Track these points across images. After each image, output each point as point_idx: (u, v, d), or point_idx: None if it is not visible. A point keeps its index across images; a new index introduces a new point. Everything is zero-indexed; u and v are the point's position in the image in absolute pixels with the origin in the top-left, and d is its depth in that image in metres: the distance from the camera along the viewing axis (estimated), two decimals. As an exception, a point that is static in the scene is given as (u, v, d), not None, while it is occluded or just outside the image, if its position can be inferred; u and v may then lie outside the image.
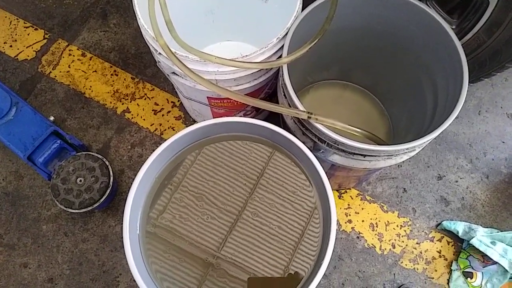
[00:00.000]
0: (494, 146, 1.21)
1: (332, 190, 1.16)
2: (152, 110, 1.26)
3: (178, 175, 0.75)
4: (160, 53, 0.84)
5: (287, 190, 0.75)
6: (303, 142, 0.86)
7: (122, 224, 0.61)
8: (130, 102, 1.27)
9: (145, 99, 1.28)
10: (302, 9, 0.85)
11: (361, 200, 1.15)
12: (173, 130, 1.24)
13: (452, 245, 1.11)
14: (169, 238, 0.71)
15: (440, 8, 0.89)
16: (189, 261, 0.70)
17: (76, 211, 1.03)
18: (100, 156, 1.08)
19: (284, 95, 0.82)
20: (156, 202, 0.73)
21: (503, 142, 1.21)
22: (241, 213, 0.73)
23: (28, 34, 1.36)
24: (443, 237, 1.12)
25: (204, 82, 0.74)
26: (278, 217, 0.73)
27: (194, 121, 1.25)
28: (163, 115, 1.26)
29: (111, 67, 1.32)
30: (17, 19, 1.38)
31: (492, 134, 1.22)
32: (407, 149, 0.75)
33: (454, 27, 0.90)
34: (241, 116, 1.13)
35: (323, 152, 0.82)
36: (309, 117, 0.73)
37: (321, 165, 0.90)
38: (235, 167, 0.76)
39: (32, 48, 1.34)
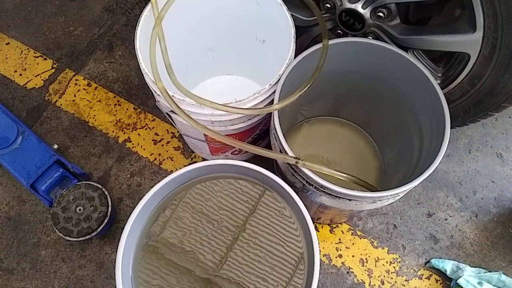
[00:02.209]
0: (484, 185, 1.24)
1: (324, 224, 1.19)
2: (152, 140, 1.31)
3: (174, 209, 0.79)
4: (159, 95, 0.89)
5: (276, 226, 0.79)
6: (293, 182, 0.90)
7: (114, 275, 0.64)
8: (132, 131, 1.32)
9: (146, 129, 1.33)
10: (295, 56, 0.90)
11: (352, 235, 1.18)
12: (172, 160, 1.28)
13: (441, 284, 1.12)
14: (167, 253, 0.74)
15: (426, 56, 0.94)
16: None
17: (74, 239, 1.06)
18: (99, 186, 1.12)
19: (275, 137, 0.86)
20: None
21: (493, 182, 1.24)
22: (240, 233, 0.77)
23: (38, 64, 1.43)
24: (432, 275, 1.13)
25: (198, 126, 0.79)
26: (275, 240, 0.77)
27: (193, 152, 1.29)
28: (162, 145, 1.30)
29: (114, 97, 1.37)
30: (27, 49, 1.45)
31: (482, 173, 1.25)
32: (390, 195, 0.78)
33: (440, 74, 0.94)
34: (237, 151, 1.17)
35: (311, 193, 0.85)
36: (296, 162, 0.77)
37: (311, 202, 0.93)
38: (228, 201, 0.80)
39: (40, 77, 1.40)
